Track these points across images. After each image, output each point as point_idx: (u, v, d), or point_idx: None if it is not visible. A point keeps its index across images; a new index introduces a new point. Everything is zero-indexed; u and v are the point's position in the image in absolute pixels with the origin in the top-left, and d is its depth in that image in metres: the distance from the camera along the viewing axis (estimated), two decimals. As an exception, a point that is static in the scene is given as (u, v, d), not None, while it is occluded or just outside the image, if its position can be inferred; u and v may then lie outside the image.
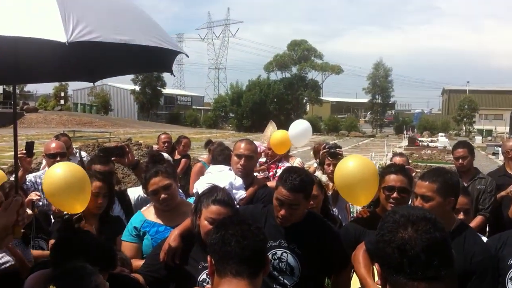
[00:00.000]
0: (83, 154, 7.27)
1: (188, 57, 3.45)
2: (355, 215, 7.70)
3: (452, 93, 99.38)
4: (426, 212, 1.86)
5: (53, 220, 4.55)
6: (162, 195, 3.79)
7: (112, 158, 4.53)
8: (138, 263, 3.56)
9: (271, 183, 6.20)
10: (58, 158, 5.48)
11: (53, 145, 5.64)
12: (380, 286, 2.31)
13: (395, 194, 3.61)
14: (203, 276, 3.17)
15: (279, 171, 6.48)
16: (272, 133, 7.21)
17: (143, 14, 3.27)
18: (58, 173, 3.90)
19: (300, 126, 7.63)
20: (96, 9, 2.78)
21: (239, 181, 4.53)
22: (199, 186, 4.69)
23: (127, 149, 4.49)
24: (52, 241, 3.77)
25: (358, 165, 4.06)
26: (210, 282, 2.13)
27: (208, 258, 2.20)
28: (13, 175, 6.56)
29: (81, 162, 6.68)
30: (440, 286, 1.71)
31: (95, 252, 2.60)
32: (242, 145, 4.63)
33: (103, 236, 3.77)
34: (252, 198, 4.51)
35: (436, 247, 1.71)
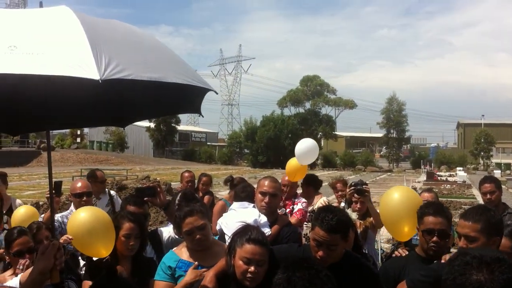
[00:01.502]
0: (112, 193, 7.24)
1: (217, 94, 3.43)
2: (379, 250, 7.65)
3: (468, 126, 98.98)
4: (497, 252, 1.81)
5: (81, 261, 4.50)
6: (198, 236, 3.71)
7: (145, 199, 4.50)
8: None
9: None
10: (85, 198, 5.47)
11: (79, 184, 5.64)
12: None
13: (435, 238, 3.51)
14: (240, 319, 3.09)
15: (296, 207, 6.45)
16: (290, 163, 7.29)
17: (170, 52, 3.28)
18: (81, 218, 3.87)
19: (305, 144, 7.73)
20: (126, 47, 2.81)
21: (263, 219, 4.52)
22: (223, 223, 4.64)
23: (159, 189, 4.46)
24: (86, 283, 3.71)
25: (403, 198, 4.00)
26: None
27: None
28: (41, 215, 6.57)
29: (111, 201, 6.67)
30: None
31: None
32: (266, 182, 4.64)
33: (135, 278, 3.71)
34: (277, 237, 4.47)
35: None
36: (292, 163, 7.25)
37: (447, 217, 3.60)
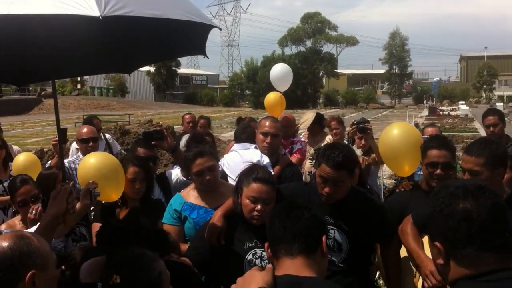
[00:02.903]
0: (108, 136, 7.28)
1: (221, 30, 3.37)
2: (381, 186, 7.77)
3: (470, 59, 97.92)
4: (479, 181, 1.84)
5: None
6: (208, 177, 3.75)
7: (152, 142, 4.51)
8: (183, 247, 3.55)
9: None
10: (91, 143, 5.49)
11: (85, 130, 5.64)
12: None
13: (438, 171, 3.52)
14: (249, 256, 3.17)
15: (295, 147, 6.48)
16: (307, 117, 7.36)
17: None
18: (91, 163, 3.89)
19: (277, 69, 7.88)
20: None
21: (266, 160, 4.52)
22: (225, 164, 4.67)
23: (166, 133, 4.46)
24: (96, 225, 3.78)
25: (403, 134, 4.01)
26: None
27: (266, 245, 2.22)
28: (47, 161, 6.63)
29: (107, 145, 6.71)
30: (507, 254, 1.69)
31: (151, 239, 2.57)
32: (267, 123, 4.62)
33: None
34: (280, 177, 4.49)
35: (500, 213, 1.70)
36: (269, 97, 7.34)
37: (450, 150, 3.61)
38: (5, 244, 1.84)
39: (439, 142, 3.65)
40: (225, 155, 5.05)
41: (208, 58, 3.62)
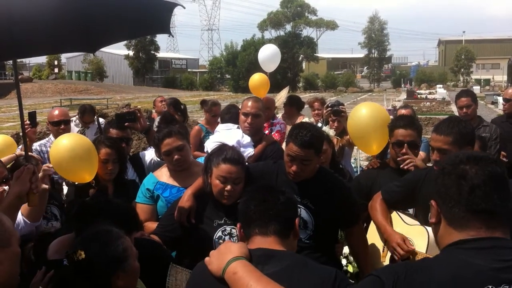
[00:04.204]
0: (101, 120, 7.29)
1: (184, 8, 3.37)
2: (358, 167, 7.87)
3: (448, 43, 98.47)
4: (485, 153, 1.91)
5: (65, 187, 4.55)
6: (176, 156, 3.79)
7: (125, 124, 4.52)
8: (153, 225, 3.58)
9: None
10: (62, 126, 5.48)
11: (56, 112, 5.62)
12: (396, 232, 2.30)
13: (404, 150, 3.60)
14: (218, 234, 3.22)
15: (274, 129, 6.56)
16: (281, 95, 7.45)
17: None
18: (63, 145, 3.89)
19: (268, 49, 7.90)
20: None
21: (247, 139, 4.55)
22: (208, 145, 4.72)
23: (139, 114, 4.48)
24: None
25: (371, 113, 4.08)
26: None
27: (238, 225, 2.27)
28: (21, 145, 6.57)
29: (99, 129, 6.70)
30: (496, 224, 1.74)
31: (119, 215, 2.59)
32: (249, 103, 4.65)
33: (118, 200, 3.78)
34: (261, 156, 4.54)
35: (496, 181, 1.75)
36: (254, 78, 7.35)
37: (416, 129, 3.69)
38: None
39: (405, 121, 3.74)
40: (210, 137, 5.11)
41: (173, 36, 3.63)
